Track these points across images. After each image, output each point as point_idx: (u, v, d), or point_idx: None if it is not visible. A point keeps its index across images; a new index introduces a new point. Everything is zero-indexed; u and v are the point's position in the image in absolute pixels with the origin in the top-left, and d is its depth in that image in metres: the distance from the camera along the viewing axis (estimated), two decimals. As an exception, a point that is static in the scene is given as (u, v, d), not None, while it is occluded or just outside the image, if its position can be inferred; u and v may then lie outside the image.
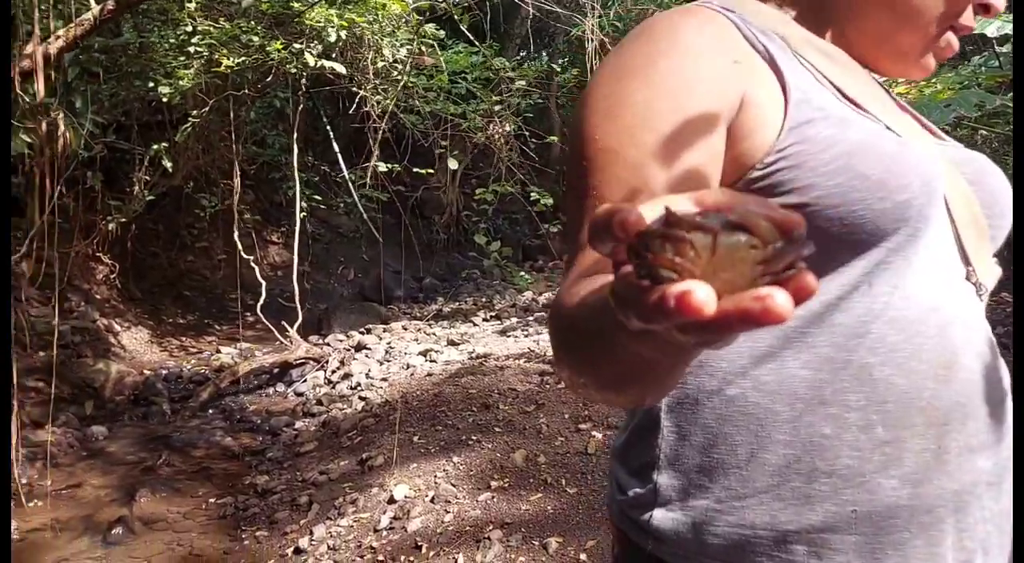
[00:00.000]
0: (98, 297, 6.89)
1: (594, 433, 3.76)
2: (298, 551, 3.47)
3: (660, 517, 0.86)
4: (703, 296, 0.39)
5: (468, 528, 3.22)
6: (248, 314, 7.28)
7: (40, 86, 4.14)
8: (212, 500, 4.16)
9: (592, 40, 5.65)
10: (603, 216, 0.44)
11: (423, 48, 6.62)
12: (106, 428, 5.12)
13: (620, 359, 0.58)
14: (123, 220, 7.03)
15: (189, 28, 6.21)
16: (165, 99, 6.34)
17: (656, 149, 0.78)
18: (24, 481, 4.12)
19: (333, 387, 5.71)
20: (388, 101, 6.36)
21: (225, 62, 6.01)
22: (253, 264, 6.70)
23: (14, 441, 4.10)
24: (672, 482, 0.87)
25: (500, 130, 7.12)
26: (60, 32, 4.31)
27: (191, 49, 6.22)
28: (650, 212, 0.44)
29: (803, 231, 0.42)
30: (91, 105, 6.51)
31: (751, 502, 0.82)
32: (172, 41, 6.52)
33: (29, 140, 5.02)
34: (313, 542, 3.47)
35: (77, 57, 6.23)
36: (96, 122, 6.65)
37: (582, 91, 0.87)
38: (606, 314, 0.48)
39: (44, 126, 4.36)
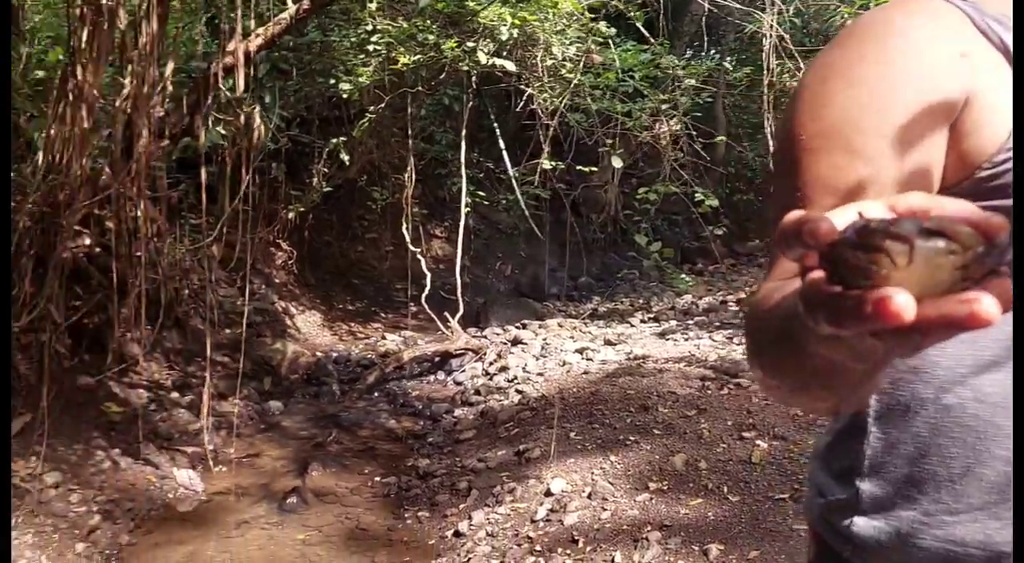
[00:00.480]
0: (277, 281, 7.36)
1: (759, 442, 3.65)
2: (458, 534, 3.57)
3: (861, 524, 0.84)
4: (902, 301, 0.38)
5: (626, 527, 3.21)
6: (411, 304, 7.56)
7: (240, 81, 4.46)
8: (377, 478, 4.36)
9: (770, 36, 5.45)
10: (792, 224, 0.43)
11: (592, 46, 6.62)
12: (282, 403, 5.46)
13: (810, 364, 0.57)
14: (302, 210, 7.47)
15: (369, 27, 6.51)
16: (345, 95, 6.66)
17: (862, 150, 0.75)
18: (211, 447, 4.46)
19: (491, 379, 5.82)
20: (558, 99, 6.41)
21: (402, 60, 6.24)
22: (419, 256, 6.94)
23: (205, 410, 4.45)
24: (876, 490, 0.84)
25: (666, 129, 7.02)
26: (259, 30, 4.62)
27: (370, 47, 6.51)
28: (841, 218, 0.43)
29: (1007, 235, 0.41)
30: (278, 100, 6.96)
31: (964, 518, 0.78)
32: (353, 40, 6.85)
33: (223, 132, 5.42)
34: (472, 527, 3.56)
35: (268, 55, 6.67)
36: (282, 116, 7.09)
37: (793, 89, 0.86)
38: (797, 318, 0.47)
39: (242, 119, 4.68)
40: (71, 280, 4.56)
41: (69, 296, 4.52)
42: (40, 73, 4.66)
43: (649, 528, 3.13)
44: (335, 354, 6.69)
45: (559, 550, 3.18)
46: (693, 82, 7.11)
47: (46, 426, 3.76)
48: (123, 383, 4.73)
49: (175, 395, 4.94)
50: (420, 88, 7.09)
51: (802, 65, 5.69)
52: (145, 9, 4.19)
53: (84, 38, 4.02)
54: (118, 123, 4.48)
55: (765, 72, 5.80)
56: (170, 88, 4.57)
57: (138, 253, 4.92)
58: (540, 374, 5.57)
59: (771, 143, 6.17)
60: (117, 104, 4.43)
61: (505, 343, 6.60)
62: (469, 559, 3.33)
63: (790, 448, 3.57)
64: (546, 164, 6.44)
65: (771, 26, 5.36)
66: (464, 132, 7.20)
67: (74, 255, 4.65)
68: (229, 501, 4.08)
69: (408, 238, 6.94)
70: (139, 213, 4.79)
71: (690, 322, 6.82)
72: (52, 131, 4.33)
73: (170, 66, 4.46)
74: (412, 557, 3.52)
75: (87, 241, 4.78)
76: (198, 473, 4.27)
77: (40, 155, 4.36)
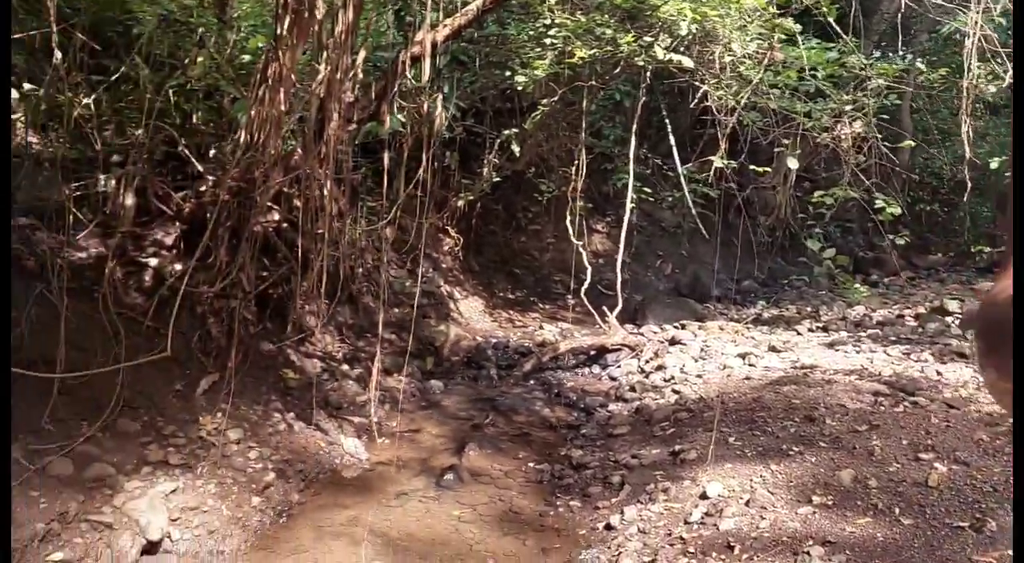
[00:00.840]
0: (443, 266, 7.59)
1: (937, 465, 3.41)
2: (609, 527, 3.56)
3: None
4: None
5: (785, 539, 3.09)
6: (570, 296, 7.61)
7: (425, 70, 4.62)
8: (531, 464, 4.41)
9: (973, 36, 5.06)
10: None
11: (776, 43, 6.39)
12: (443, 383, 5.64)
13: None
14: (471, 198, 7.66)
15: (547, 21, 6.56)
16: (519, 88, 6.76)
17: None
18: (376, 419, 4.67)
19: (647, 376, 5.76)
20: (737, 97, 6.24)
21: (578, 54, 6.25)
22: (581, 250, 6.96)
23: (372, 384, 4.66)
24: None
25: (849, 131, 6.68)
26: (447, 21, 4.77)
27: (547, 41, 6.57)
28: None
29: None
30: (456, 91, 7.16)
31: None
32: (530, 33, 6.94)
33: (404, 120, 5.62)
34: (624, 522, 3.54)
35: (449, 47, 6.87)
36: (458, 106, 7.30)
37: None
38: None
39: (424, 107, 4.85)
40: (261, 252, 4.88)
41: (258, 267, 4.84)
42: (246, 58, 5.00)
43: (811, 542, 3.00)
44: (494, 340, 6.83)
45: (713, 554, 3.11)
46: (881, 83, 6.72)
47: (232, 386, 4.06)
48: (300, 352, 5.03)
49: (345, 367, 5.20)
50: (594, 82, 7.09)
51: (1009, 68, 5.25)
52: (342, 0, 4.41)
53: (286, 26, 4.28)
54: (311, 107, 4.75)
55: (965, 75, 5.39)
56: (360, 75, 4.79)
57: (321, 231, 5.20)
58: (699, 376, 5.46)
59: (967, 149, 5.75)
60: (312, 89, 4.69)
61: (663, 342, 6.51)
62: (619, 554, 3.31)
63: (973, 474, 3.32)
64: (719, 162, 6.29)
65: (976, 25, 4.96)
66: (634, 127, 7.14)
67: (264, 229, 4.98)
68: (390, 472, 4.25)
69: (572, 231, 6.98)
70: (325, 193, 5.06)
71: (862, 334, 6.47)
72: (252, 112, 4.64)
73: (362, 54, 4.68)
74: (562, 544, 3.54)
75: (276, 217, 5.11)
76: (363, 442, 4.48)
77: (241, 134, 4.69)
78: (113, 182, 4.43)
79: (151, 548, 3.07)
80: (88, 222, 4.21)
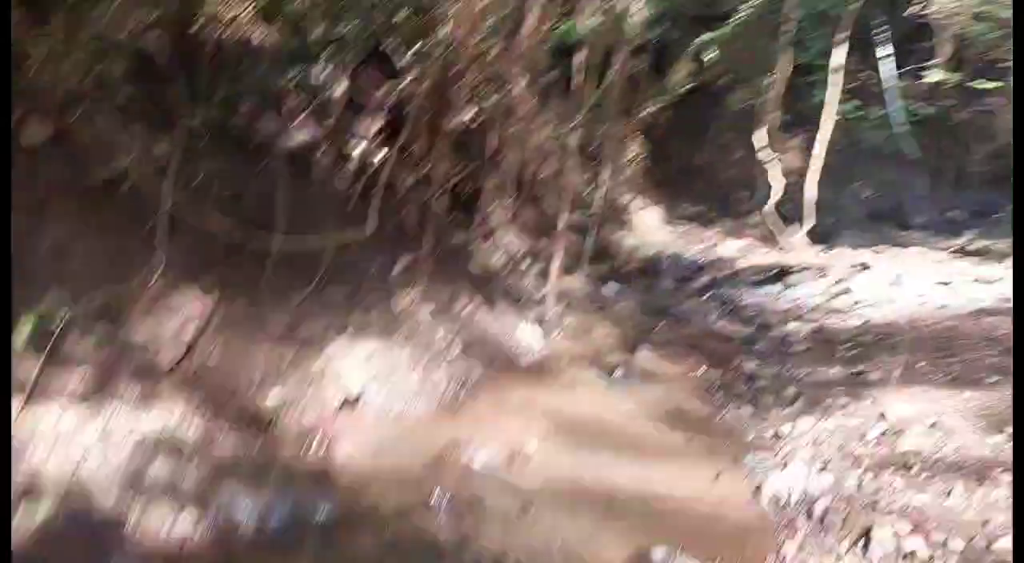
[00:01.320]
0: (626, 174, 7.55)
1: None
2: (777, 436, 3.55)
3: None
4: None
5: (970, 464, 2.98)
6: (755, 213, 7.39)
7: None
8: (701, 371, 4.44)
9: None
10: None
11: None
12: (617, 288, 5.71)
13: None
14: (659, 107, 7.51)
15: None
16: (720, -9, 6.47)
17: None
18: (552, 314, 4.84)
19: (833, 298, 5.57)
20: (960, 4, 5.71)
21: (786, -45, 5.90)
22: (770, 165, 6.71)
23: (552, 280, 4.79)
24: None
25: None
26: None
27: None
28: None
29: None
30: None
31: None
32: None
33: (598, 22, 5.55)
34: (795, 432, 3.52)
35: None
36: (653, 11, 7.08)
37: None
38: None
39: (620, 10, 4.78)
40: (453, 148, 5.06)
41: (451, 162, 5.03)
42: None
43: (1000, 470, 2.87)
44: (671, 251, 6.79)
45: (889, 471, 3.04)
46: None
47: (424, 268, 4.33)
48: (485, 244, 5.24)
49: (527, 263, 5.37)
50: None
51: None
52: None
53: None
54: (509, 5, 4.79)
55: None
56: (559, -27, 4.77)
57: (510, 131, 5.32)
58: (891, 301, 5.22)
59: None
60: (511, -14, 4.72)
61: (854, 265, 6.23)
62: (788, 460, 3.31)
63: None
64: (936, 76, 5.81)
65: None
66: (841, 37, 6.69)
67: (458, 126, 5.14)
68: (563, 363, 4.42)
69: (761, 146, 6.73)
70: (516, 94, 5.14)
71: (1082, 273, 5.90)
72: (452, 10, 4.75)
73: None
74: (728, 446, 3.55)
75: (470, 115, 5.25)
76: (539, 333, 4.66)
77: (441, 32, 4.82)
78: (324, 74, 4.72)
79: (350, 401, 3.40)
80: (303, 110, 4.52)
